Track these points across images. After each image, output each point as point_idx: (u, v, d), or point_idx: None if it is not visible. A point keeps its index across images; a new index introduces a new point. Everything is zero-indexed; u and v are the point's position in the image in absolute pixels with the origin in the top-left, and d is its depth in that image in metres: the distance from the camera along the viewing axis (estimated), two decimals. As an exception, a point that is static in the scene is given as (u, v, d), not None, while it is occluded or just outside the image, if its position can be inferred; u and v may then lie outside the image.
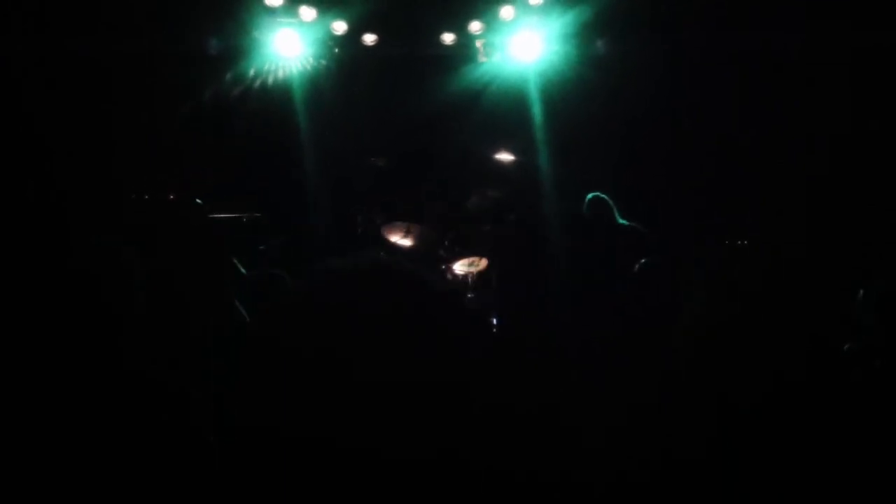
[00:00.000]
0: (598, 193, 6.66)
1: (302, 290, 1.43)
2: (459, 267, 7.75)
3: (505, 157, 8.28)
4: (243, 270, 5.00)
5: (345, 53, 8.02)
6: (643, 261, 6.01)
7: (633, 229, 6.51)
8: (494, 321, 6.58)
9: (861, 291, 3.26)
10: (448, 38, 7.97)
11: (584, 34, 7.86)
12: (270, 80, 8.00)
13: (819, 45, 7.23)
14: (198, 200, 5.53)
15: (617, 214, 6.60)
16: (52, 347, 3.04)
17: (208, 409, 2.74)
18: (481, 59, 8.16)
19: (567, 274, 6.13)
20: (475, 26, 7.92)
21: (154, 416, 3.02)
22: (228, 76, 7.89)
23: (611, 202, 6.61)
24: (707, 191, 7.56)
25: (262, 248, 6.95)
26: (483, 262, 7.64)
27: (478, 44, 8.08)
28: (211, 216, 7.05)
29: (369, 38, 7.89)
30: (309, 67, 8.01)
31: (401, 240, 7.87)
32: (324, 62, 8.04)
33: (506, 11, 7.78)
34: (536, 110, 8.09)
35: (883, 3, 6.81)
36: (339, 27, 7.74)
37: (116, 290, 3.90)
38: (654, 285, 5.69)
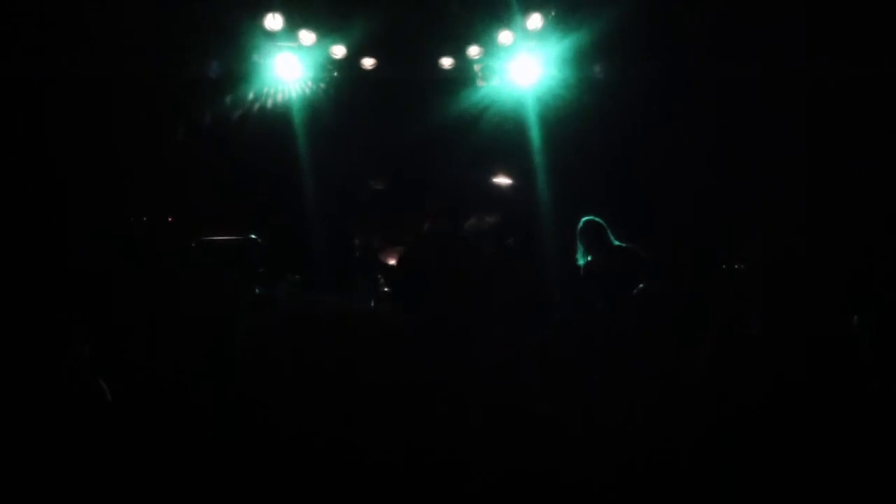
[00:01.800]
0: (592, 217, 6.67)
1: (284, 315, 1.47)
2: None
3: (503, 180, 8.31)
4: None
5: (344, 77, 8.07)
6: (641, 286, 6.02)
7: (629, 251, 6.51)
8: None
9: (857, 311, 3.24)
10: (447, 62, 8.02)
11: (582, 59, 7.91)
12: (270, 103, 8.05)
13: (804, 74, 7.34)
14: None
15: (611, 236, 6.60)
16: (53, 350, 3.07)
17: (208, 409, 2.75)
18: (480, 83, 8.21)
19: (562, 292, 6.13)
20: (474, 51, 7.97)
21: (154, 415, 3.05)
22: (229, 99, 7.94)
23: (605, 225, 6.62)
24: (704, 209, 7.57)
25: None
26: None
27: (476, 68, 8.14)
28: (209, 238, 7.08)
29: (368, 62, 7.94)
30: (308, 91, 8.07)
31: (397, 262, 7.86)
32: (323, 86, 8.09)
33: (504, 36, 7.83)
34: (534, 134, 8.13)
35: (863, 40, 6.94)
36: (339, 51, 7.80)
37: (115, 296, 3.94)
38: (654, 308, 5.69)
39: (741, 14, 7.10)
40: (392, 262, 7.87)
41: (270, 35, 7.57)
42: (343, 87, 8.14)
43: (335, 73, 8.03)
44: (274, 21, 7.46)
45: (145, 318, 3.71)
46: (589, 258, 6.66)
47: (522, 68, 7.97)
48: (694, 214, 7.56)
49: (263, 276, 5.78)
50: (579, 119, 7.93)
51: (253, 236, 7.10)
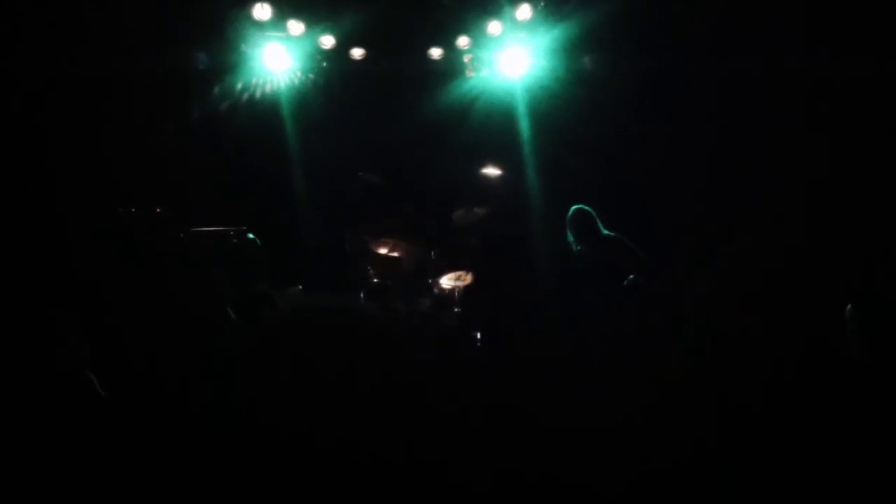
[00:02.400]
0: (581, 206, 6.71)
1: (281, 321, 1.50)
2: (446, 281, 7.78)
3: (492, 171, 8.31)
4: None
5: (333, 67, 8.04)
6: (631, 277, 6.06)
7: (619, 240, 6.56)
8: (478, 335, 6.60)
9: (849, 309, 3.27)
10: (436, 52, 8.02)
11: (571, 50, 7.92)
12: (259, 93, 8.01)
13: (804, 73, 7.36)
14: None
15: (601, 226, 6.65)
16: (50, 350, 3.07)
17: (206, 408, 2.77)
18: (469, 73, 8.21)
19: (553, 285, 6.18)
20: (463, 41, 7.96)
21: (152, 415, 3.07)
22: (217, 90, 7.89)
23: (594, 213, 6.66)
24: (698, 204, 7.61)
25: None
26: (469, 277, 7.67)
27: (465, 59, 8.13)
28: (198, 229, 7.05)
29: (357, 53, 7.92)
30: (297, 81, 8.03)
31: (388, 253, 7.87)
32: (312, 76, 8.06)
33: (493, 27, 7.84)
34: (523, 125, 8.14)
35: (861, 35, 6.97)
36: (327, 41, 7.77)
37: (114, 295, 3.94)
38: (642, 300, 5.74)
39: (738, 10, 7.11)
40: (381, 252, 7.89)
41: (259, 25, 7.52)
42: (332, 77, 8.11)
43: (324, 64, 8.00)
44: (262, 11, 7.41)
45: (143, 317, 3.71)
46: (579, 248, 6.71)
47: (512, 59, 7.97)
48: (688, 210, 7.59)
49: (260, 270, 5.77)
50: (569, 110, 7.93)
51: (244, 228, 7.09)
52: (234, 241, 6.51)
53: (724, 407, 2.60)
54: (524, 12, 7.73)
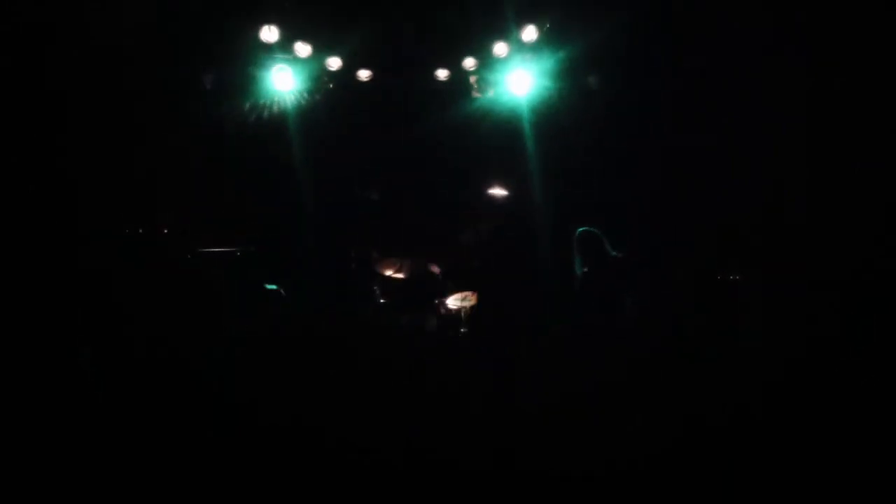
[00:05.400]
0: (588, 227, 6.69)
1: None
2: (452, 302, 7.77)
3: (498, 191, 8.33)
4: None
5: (340, 88, 8.09)
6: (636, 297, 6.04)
7: (624, 261, 6.53)
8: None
9: (857, 311, 3.25)
10: (442, 73, 8.07)
11: (577, 70, 7.96)
12: (266, 114, 8.06)
13: (804, 73, 7.36)
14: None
15: (608, 247, 6.62)
16: (54, 351, 3.08)
17: (208, 406, 2.76)
18: (475, 94, 8.26)
19: (557, 304, 6.17)
20: (469, 62, 8.02)
21: (155, 415, 3.06)
22: (224, 110, 7.93)
23: (601, 235, 6.63)
24: (699, 218, 7.59)
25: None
26: (474, 297, 7.65)
27: (471, 79, 8.18)
28: (206, 250, 7.07)
29: (364, 74, 7.97)
30: (304, 102, 8.08)
31: (393, 274, 7.89)
32: (319, 97, 8.11)
33: (499, 48, 7.89)
34: (528, 143, 8.16)
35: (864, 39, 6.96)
36: (334, 63, 7.84)
37: (116, 299, 3.95)
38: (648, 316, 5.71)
39: (739, 10, 7.12)
40: (387, 272, 7.90)
41: (266, 47, 7.58)
42: (339, 98, 8.15)
43: (331, 85, 8.05)
44: (270, 33, 7.47)
45: (146, 320, 3.72)
46: (585, 269, 6.68)
47: (517, 79, 8.01)
48: (689, 224, 7.58)
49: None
50: (574, 129, 7.96)
51: (252, 248, 7.12)
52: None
53: (724, 407, 2.58)
54: (530, 34, 7.77)
